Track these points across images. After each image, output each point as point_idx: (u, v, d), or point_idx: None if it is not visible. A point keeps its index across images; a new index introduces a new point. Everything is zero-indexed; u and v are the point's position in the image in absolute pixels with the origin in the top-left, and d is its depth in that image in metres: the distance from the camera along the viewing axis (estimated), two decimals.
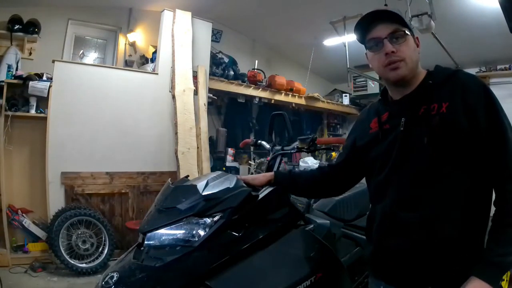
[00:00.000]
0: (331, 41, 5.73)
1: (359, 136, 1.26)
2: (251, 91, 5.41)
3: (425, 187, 1.02)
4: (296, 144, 1.84)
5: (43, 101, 3.68)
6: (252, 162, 5.03)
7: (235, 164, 5.33)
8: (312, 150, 1.82)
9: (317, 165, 4.90)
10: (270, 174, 1.47)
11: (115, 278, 1.16)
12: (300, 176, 1.46)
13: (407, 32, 1.06)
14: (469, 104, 0.98)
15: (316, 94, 6.42)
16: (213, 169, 4.63)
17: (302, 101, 6.23)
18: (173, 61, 4.27)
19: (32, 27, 4.02)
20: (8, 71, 3.65)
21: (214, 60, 5.15)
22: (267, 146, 2.04)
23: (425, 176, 1.02)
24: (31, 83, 3.55)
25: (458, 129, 0.98)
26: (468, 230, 0.98)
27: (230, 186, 1.34)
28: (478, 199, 1.00)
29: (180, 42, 4.33)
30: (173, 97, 4.20)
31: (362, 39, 1.13)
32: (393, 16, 1.06)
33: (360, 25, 1.11)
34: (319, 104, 6.56)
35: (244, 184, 1.39)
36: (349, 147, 1.31)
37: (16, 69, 3.77)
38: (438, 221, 0.99)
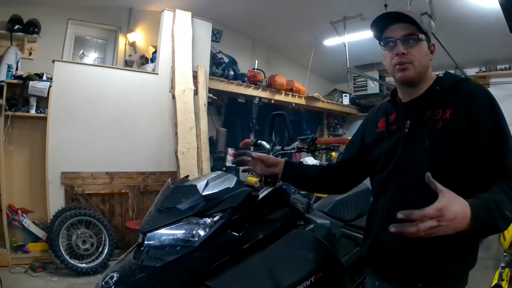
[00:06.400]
0: (331, 41, 5.74)
1: (367, 133, 1.28)
2: (251, 91, 5.41)
3: (421, 188, 1.02)
4: (296, 144, 1.84)
5: (43, 101, 3.68)
6: None
7: None
8: (312, 150, 1.82)
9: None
10: (281, 161, 1.38)
11: (115, 278, 1.16)
12: (310, 170, 1.45)
13: (421, 37, 1.08)
14: (472, 112, 1.01)
15: (316, 94, 6.43)
16: (213, 169, 4.63)
17: (302, 101, 6.24)
18: (173, 61, 4.27)
19: (32, 27, 4.02)
20: (8, 71, 3.65)
21: (214, 60, 5.15)
22: (267, 146, 2.03)
23: (422, 177, 1.02)
24: (31, 83, 3.55)
25: (459, 135, 1.00)
26: (459, 233, 0.98)
27: (230, 186, 1.35)
28: None
29: (180, 42, 4.33)
30: (173, 97, 4.20)
31: (378, 35, 1.15)
32: (411, 20, 1.08)
33: (378, 21, 1.13)
34: (319, 104, 6.56)
35: (243, 184, 1.39)
36: (358, 141, 1.31)
37: (16, 69, 3.77)
38: None
